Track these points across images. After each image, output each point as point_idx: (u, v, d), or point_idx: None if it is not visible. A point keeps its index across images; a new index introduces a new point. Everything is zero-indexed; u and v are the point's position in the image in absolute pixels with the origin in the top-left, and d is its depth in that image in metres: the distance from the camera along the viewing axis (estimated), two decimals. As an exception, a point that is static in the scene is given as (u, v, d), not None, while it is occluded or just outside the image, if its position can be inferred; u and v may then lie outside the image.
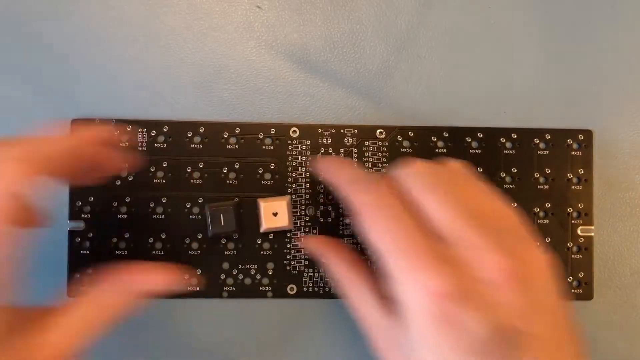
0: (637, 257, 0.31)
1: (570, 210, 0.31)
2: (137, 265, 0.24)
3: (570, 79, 0.31)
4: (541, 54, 0.31)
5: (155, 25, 0.30)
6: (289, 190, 0.30)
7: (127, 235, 0.29)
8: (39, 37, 0.30)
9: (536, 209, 0.30)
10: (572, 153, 0.31)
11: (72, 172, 0.23)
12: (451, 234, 0.22)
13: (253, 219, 0.29)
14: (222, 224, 0.29)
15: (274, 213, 0.29)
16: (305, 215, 0.30)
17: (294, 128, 0.30)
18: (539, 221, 0.30)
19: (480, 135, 0.31)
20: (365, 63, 0.31)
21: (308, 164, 0.30)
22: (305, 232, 0.30)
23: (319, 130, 0.30)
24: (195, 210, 0.29)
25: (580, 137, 0.31)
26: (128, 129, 0.30)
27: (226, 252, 0.30)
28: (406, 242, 0.22)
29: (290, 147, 0.30)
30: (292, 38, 0.31)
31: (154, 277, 0.23)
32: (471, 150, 0.30)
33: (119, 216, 0.29)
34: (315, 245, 0.28)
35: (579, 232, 0.31)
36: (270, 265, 0.30)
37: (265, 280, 0.30)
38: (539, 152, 0.31)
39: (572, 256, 0.30)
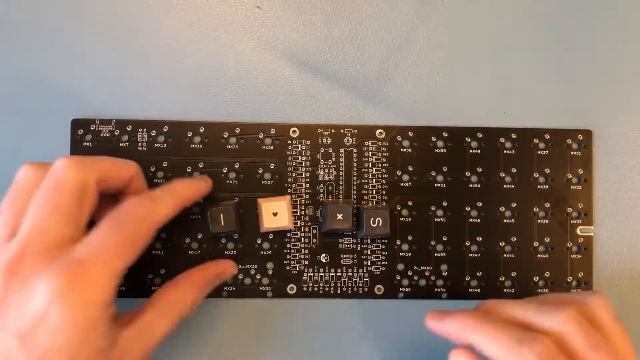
0: (637, 257, 0.31)
1: (570, 210, 0.31)
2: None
3: (570, 79, 0.31)
4: (541, 54, 0.31)
5: (155, 25, 0.30)
6: (289, 190, 0.30)
7: (127, 235, 0.29)
8: (39, 37, 0.30)
9: (536, 209, 0.30)
10: (572, 153, 0.31)
11: None
12: None
13: (253, 219, 0.29)
14: (223, 223, 0.28)
15: (274, 213, 0.29)
16: (305, 215, 0.30)
17: (294, 128, 0.30)
18: (539, 221, 0.30)
19: (480, 135, 0.31)
20: (365, 63, 0.31)
21: (308, 164, 0.30)
22: (305, 232, 0.30)
23: (319, 130, 0.30)
24: (195, 210, 0.29)
25: (580, 137, 0.31)
26: (128, 129, 0.30)
27: (226, 252, 0.30)
28: None
29: (290, 147, 0.30)
30: (292, 38, 0.31)
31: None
32: (471, 150, 0.30)
33: (119, 216, 0.29)
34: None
35: (578, 232, 0.31)
36: (270, 265, 0.30)
37: (265, 280, 0.30)
38: (539, 152, 0.31)
39: (572, 256, 0.30)
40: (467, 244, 0.30)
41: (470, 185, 0.30)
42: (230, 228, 0.29)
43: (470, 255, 0.30)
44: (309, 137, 0.30)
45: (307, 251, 0.30)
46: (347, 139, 0.30)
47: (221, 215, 0.28)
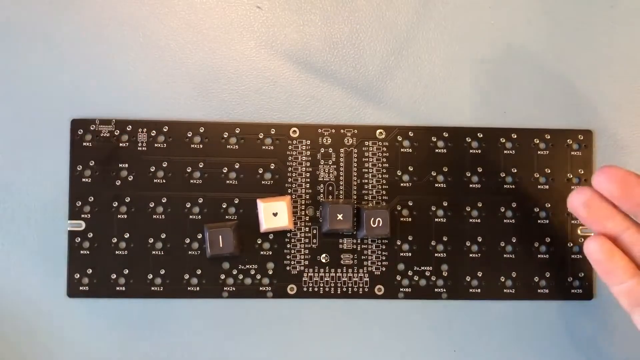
0: (637, 257, 0.31)
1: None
2: None
3: (570, 79, 0.31)
4: (541, 54, 0.31)
5: (155, 25, 0.30)
6: (289, 190, 0.30)
7: (127, 235, 0.29)
8: (40, 37, 0.30)
9: (536, 209, 0.30)
10: (572, 153, 0.31)
11: None
12: None
13: (253, 219, 0.29)
14: (221, 245, 0.28)
15: (274, 213, 0.29)
16: (305, 215, 0.30)
17: (294, 128, 0.30)
18: (539, 221, 0.30)
19: (480, 135, 0.31)
20: (365, 63, 0.31)
21: (308, 164, 0.30)
22: (305, 232, 0.30)
23: (319, 130, 0.30)
24: (195, 210, 0.29)
25: (580, 137, 0.31)
26: (128, 129, 0.30)
27: (226, 252, 0.30)
28: None
29: (290, 147, 0.30)
30: (292, 38, 0.31)
31: None
32: (471, 150, 0.30)
33: (119, 216, 0.29)
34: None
35: (579, 232, 0.31)
36: (270, 265, 0.30)
37: (265, 280, 0.30)
38: (539, 152, 0.31)
39: (572, 256, 0.30)
40: (468, 244, 0.30)
41: (471, 186, 0.30)
42: (228, 250, 0.28)
43: (471, 255, 0.30)
44: (309, 137, 0.30)
45: (307, 251, 0.30)
46: (347, 139, 0.30)
47: (220, 236, 0.28)
